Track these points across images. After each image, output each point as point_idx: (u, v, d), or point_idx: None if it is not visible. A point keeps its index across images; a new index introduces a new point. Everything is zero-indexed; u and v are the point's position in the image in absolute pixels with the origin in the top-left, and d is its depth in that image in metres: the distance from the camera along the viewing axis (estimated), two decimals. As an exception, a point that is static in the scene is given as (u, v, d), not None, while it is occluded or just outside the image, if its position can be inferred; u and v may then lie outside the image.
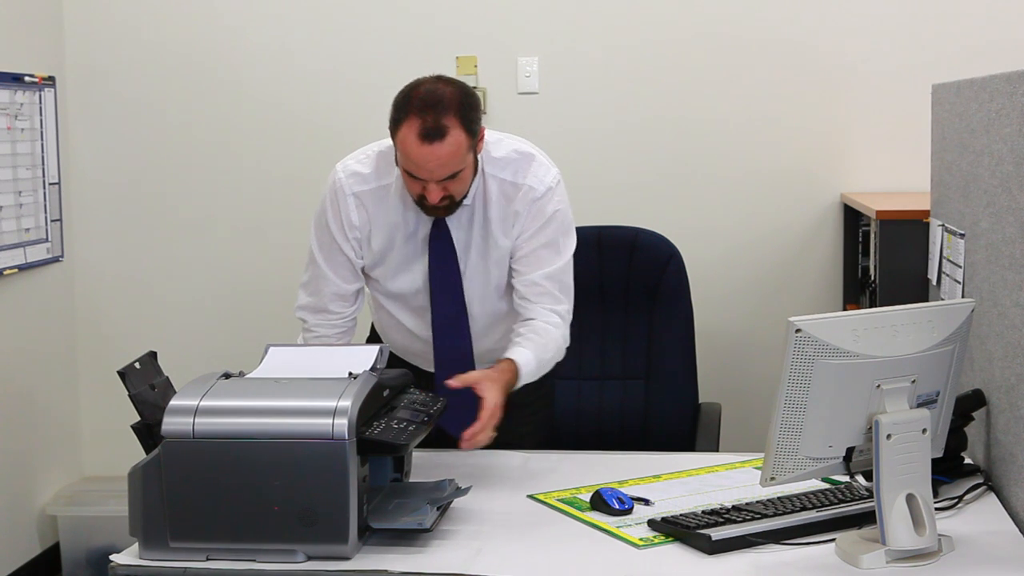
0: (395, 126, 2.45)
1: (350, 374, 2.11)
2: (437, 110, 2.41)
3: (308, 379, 2.12)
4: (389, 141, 2.56)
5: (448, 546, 2.08)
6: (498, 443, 2.39)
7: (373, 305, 2.81)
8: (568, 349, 2.69)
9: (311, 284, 2.70)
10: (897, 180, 3.97)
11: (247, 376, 2.20)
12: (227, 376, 2.15)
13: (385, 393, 2.16)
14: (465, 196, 2.55)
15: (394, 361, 2.60)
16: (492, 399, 2.35)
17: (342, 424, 1.97)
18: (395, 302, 2.72)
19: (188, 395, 2.05)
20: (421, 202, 2.52)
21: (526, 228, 2.61)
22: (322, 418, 1.98)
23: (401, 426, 2.09)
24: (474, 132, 2.47)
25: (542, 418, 2.86)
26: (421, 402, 2.24)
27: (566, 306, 2.66)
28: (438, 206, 2.51)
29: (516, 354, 2.53)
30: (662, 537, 2.09)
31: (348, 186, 2.61)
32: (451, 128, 2.41)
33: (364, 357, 2.25)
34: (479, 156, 2.55)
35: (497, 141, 2.63)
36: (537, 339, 2.58)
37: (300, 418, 1.99)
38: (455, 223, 2.61)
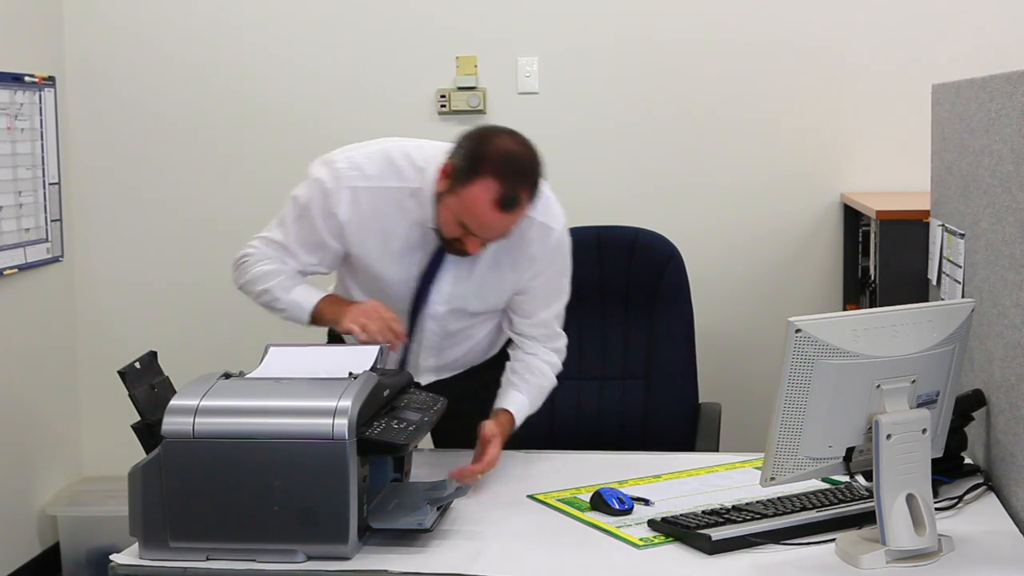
0: (466, 177, 2.31)
1: (350, 374, 2.11)
2: (517, 181, 2.32)
3: (308, 379, 2.12)
4: (396, 142, 2.48)
5: (448, 546, 2.08)
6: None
7: (337, 276, 2.68)
8: (568, 349, 2.70)
9: (276, 247, 2.54)
10: (897, 180, 3.96)
11: (247, 376, 2.20)
12: (227, 376, 2.15)
13: (386, 393, 2.16)
14: None
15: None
16: (494, 454, 2.38)
17: (342, 424, 1.97)
18: (361, 287, 2.57)
19: (188, 395, 2.05)
20: (452, 242, 2.40)
21: (541, 271, 2.53)
22: (322, 418, 1.98)
23: (401, 426, 2.09)
24: (536, 198, 2.39)
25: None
26: (421, 402, 2.24)
27: (565, 340, 2.65)
28: (468, 251, 2.41)
29: (512, 403, 2.52)
30: (662, 537, 2.09)
31: (348, 178, 2.44)
32: (523, 200, 2.34)
33: (365, 357, 2.25)
34: None
35: None
36: (534, 380, 2.56)
37: (300, 418, 1.99)
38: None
